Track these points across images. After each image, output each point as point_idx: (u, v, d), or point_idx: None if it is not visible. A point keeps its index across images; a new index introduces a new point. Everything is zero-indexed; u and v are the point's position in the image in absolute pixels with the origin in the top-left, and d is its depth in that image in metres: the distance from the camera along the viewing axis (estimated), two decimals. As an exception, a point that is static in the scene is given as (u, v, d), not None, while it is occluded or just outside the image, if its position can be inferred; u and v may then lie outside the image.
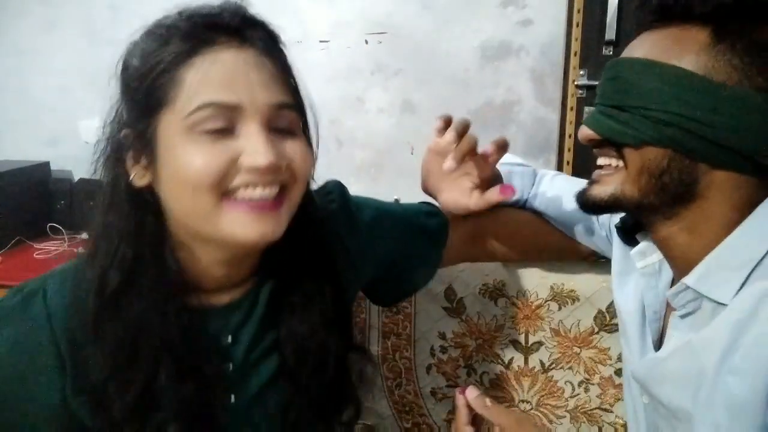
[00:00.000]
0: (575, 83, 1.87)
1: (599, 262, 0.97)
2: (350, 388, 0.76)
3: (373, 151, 1.93)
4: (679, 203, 0.63)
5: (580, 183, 0.76)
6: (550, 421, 1.07)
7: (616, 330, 0.97)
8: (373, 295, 0.95)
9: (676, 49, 0.61)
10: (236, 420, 0.67)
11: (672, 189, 0.62)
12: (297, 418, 0.69)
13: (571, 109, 1.90)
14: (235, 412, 0.66)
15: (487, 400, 0.72)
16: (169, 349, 0.60)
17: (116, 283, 0.59)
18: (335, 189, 0.80)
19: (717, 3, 0.59)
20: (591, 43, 1.84)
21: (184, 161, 0.56)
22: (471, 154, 0.80)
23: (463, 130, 0.80)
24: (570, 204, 0.86)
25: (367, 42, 1.92)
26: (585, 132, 0.67)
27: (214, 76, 0.56)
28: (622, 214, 0.78)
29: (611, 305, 0.98)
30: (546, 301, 1.02)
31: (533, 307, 1.03)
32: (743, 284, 0.60)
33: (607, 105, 0.65)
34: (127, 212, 0.60)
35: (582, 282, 1.00)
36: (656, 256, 0.74)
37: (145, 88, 0.57)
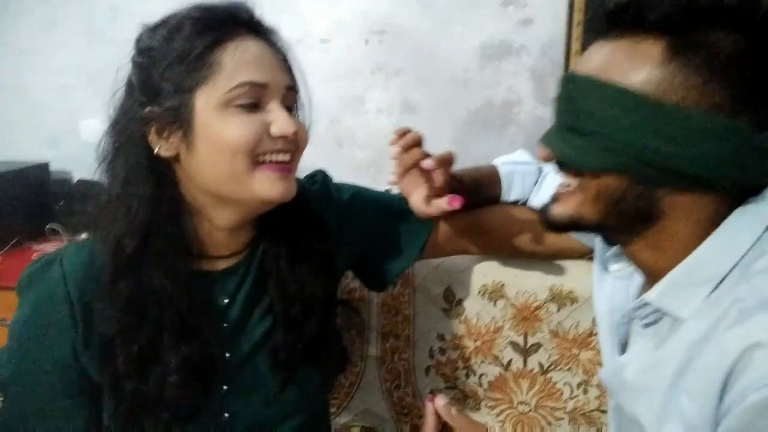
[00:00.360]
0: (575, 83, 1.86)
1: (598, 263, 0.97)
2: (336, 334, 0.85)
3: (373, 151, 1.92)
4: (640, 223, 0.61)
5: None
6: (549, 423, 1.07)
7: (616, 332, 0.97)
8: (364, 277, 0.98)
9: (628, 66, 0.57)
10: (230, 375, 0.75)
11: (630, 214, 0.60)
12: (286, 359, 0.76)
13: (572, 109, 1.88)
14: (230, 367, 0.75)
15: (453, 409, 0.73)
16: (174, 308, 0.68)
17: (133, 246, 0.67)
18: (318, 174, 0.91)
19: (669, 10, 0.55)
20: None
21: (224, 130, 0.66)
22: (416, 167, 0.83)
23: (411, 144, 0.82)
24: None
25: (367, 42, 1.91)
26: (542, 151, 0.65)
27: (248, 59, 0.67)
28: None
29: (610, 307, 0.98)
30: (545, 303, 1.02)
31: (532, 309, 1.03)
32: (705, 300, 0.59)
33: (562, 125, 0.62)
34: (147, 181, 0.69)
35: (581, 283, 0.99)
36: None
37: (180, 70, 0.66)
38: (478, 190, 0.94)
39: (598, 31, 0.61)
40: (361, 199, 0.92)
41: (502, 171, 0.97)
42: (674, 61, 0.55)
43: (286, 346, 0.77)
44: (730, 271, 0.58)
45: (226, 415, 0.75)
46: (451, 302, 1.06)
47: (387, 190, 1.00)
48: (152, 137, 0.69)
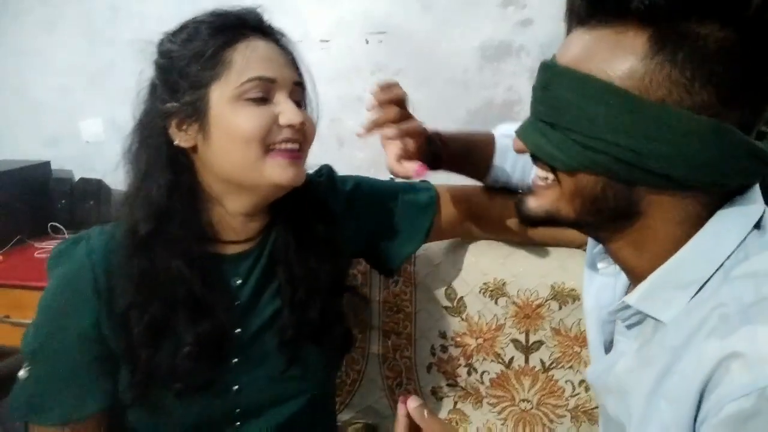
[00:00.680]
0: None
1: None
2: (340, 317, 0.89)
3: (373, 151, 1.92)
4: (619, 222, 0.59)
5: None
6: (551, 421, 1.07)
7: (617, 329, 0.98)
8: (375, 262, 1.01)
9: (609, 58, 0.53)
10: (242, 349, 0.80)
11: (608, 212, 0.58)
12: (293, 339, 0.81)
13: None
14: (240, 343, 0.80)
15: (426, 412, 0.72)
16: (187, 286, 0.74)
17: (148, 228, 0.73)
18: (324, 168, 0.96)
19: None
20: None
21: (237, 121, 0.72)
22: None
23: (389, 101, 0.79)
24: None
25: (367, 42, 1.92)
26: (517, 144, 0.62)
27: (257, 57, 0.74)
28: None
29: (611, 304, 0.98)
30: (546, 300, 1.03)
31: (534, 306, 1.03)
32: (687, 304, 0.57)
33: (539, 118, 0.59)
34: (166, 170, 0.75)
35: (582, 281, 1.00)
36: None
37: (196, 68, 0.73)
38: (465, 158, 0.93)
39: (578, 18, 0.57)
40: (364, 188, 0.96)
41: (499, 144, 0.94)
42: (659, 54, 0.51)
43: (292, 326, 0.81)
44: (713, 274, 0.56)
45: (235, 387, 0.80)
46: (453, 300, 1.06)
47: (390, 179, 1.01)
48: (172, 130, 0.75)
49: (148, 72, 0.79)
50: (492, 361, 1.07)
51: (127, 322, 0.74)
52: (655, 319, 0.59)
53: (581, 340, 1.03)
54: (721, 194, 0.56)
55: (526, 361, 1.06)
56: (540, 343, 1.05)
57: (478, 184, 0.99)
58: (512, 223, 0.98)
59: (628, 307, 0.61)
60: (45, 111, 2.14)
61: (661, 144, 0.52)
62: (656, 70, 0.51)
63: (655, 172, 0.53)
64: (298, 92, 0.78)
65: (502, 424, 1.09)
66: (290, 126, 0.73)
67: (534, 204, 0.62)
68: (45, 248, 1.88)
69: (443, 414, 1.10)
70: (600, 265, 0.74)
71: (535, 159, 0.61)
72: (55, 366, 0.74)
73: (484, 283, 1.04)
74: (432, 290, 1.07)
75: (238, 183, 0.75)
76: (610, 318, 0.71)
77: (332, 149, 1.91)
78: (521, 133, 0.61)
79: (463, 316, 1.06)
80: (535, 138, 0.58)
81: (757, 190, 0.59)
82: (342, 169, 0.98)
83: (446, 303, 1.07)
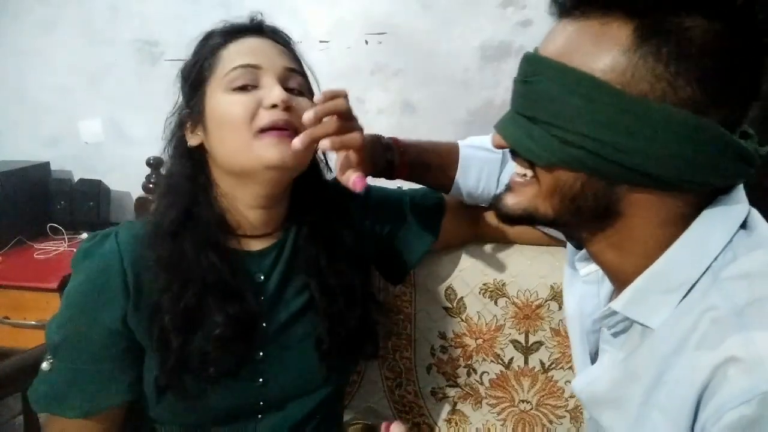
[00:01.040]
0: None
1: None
2: (372, 326, 0.91)
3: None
4: (600, 221, 0.57)
5: None
6: (550, 421, 1.07)
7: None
8: (384, 269, 1.03)
9: (592, 50, 0.51)
10: (267, 343, 0.82)
11: (588, 210, 0.56)
12: (329, 349, 0.83)
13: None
14: (266, 336, 0.82)
15: None
16: (216, 273, 0.77)
17: (173, 218, 0.77)
18: None
19: None
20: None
21: (225, 109, 0.75)
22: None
23: (329, 114, 0.74)
24: None
25: (367, 42, 1.92)
26: (496, 138, 0.60)
27: (244, 49, 0.78)
28: None
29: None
30: (546, 301, 1.02)
31: (533, 307, 1.03)
32: (675, 308, 0.55)
33: (519, 112, 0.57)
34: (185, 167, 0.80)
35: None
36: None
37: (195, 71, 0.78)
38: (423, 167, 0.92)
39: (562, 10, 0.55)
40: (375, 195, 0.98)
41: (462, 153, 0.93)
42: (642, 47, 0.49)
43: (330, 337, 0.83)
44: (701, 277, 0.54)
45: (260, 380, 0.81)
46: (453, 301, 1.06)
47: (399, 188, 1.01)
48: (187, 134, 0.80)
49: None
50: (491, 361, 1.07)
51: (158, 310, 0.75)
52: (643, 326, 0.57)
53: (581, 341, 1.02)
54: (705, 194, 0.55)
55: (526, 361, 1.06)
56: (539, 343, 1.05)
57: None
58: (510, 228, 1.00)
59: (614, 313, 0.59)
60: (44, 111, 2.13)
61: (642, 140, 0.50)
62: (639, 64, 0.50)
63: (636, 169, 0.51)
64: (293, 79, 0.78)
65: (502, 425, 1.09)
66: (273, 106, 0.73)
67: (512, 201, 0.61)
68: (44, 249, 1.88)
69: (443, 415, 1.10)
70: (583, 271, 0.72)
71: (514, 154, 0.60)
72: (79, 360, 0.75)
73: (484, 284, 1.04)
74: (432, 291, 1.07)
75: (238, 172, 0.76)
76: (594, 327, 0.69)
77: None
78: (500, 127, 0.59)
79: (463, 317, 1.06)
80: (515, 132, 0.57)
81: (741, 190, 0.57)
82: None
83: (446, 304, 1.07)
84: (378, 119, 1.94)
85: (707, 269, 0.54)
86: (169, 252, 0.76)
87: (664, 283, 0.56)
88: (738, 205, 0.56)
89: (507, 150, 0.61)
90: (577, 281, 0.73)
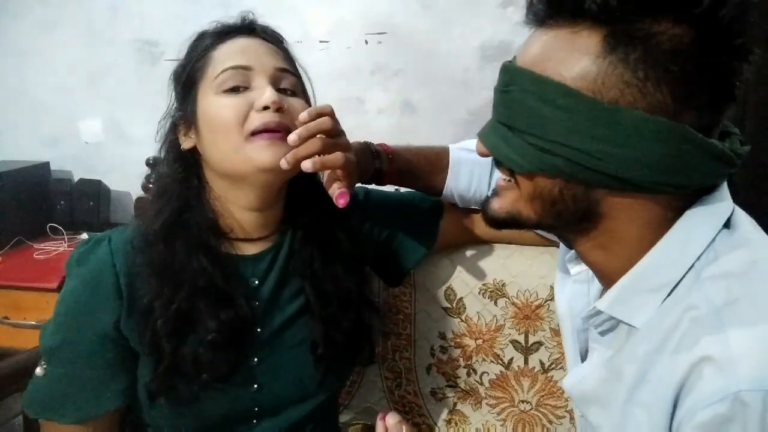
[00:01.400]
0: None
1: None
2: (368, 330, 0.90)
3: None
4: (583, 223, 0.58)
5: None
6: (550, 422, 1.07)
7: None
8: (383, 271, 1.03)
9: (563, 59, 0.52)
10: (262, 348, 0.81)
11: (569, 214, 0.57)
12: (324, 353, 0.82)
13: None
14: (261, 342, 0.81)
15: (405, 428, 0.71)
16: (208, 278, 0.76)
17: (165, 222, 0.76)
18: None
19: None
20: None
21: (215, 112, 0.74)
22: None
23: (313, 134, 0.74)
24: None
25: (367, 42, 1.92)
26: (479, 146, 0.61)
27: (234, 50, 0.76)
28: None
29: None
30: (546, 301, 1.02)
31: (533, 307, 1.03)
32: (659, 308, 0.56)
33: (499, 121, 0.58)
34: (177, 170, 0.79)
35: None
36: None
37: (187, 73, 0.77)
38: (413, 173, 0.94)
39: (536, 19, 0.56)
40: (374, 198, 0.98)
41: (453, 156, 0.94)
42: (611, 54, 0.50)
43: (325, 342, 0.82)
44: (684, 276, 0.55)
45: (254, 386, 0.80)
46: (452, 301, 1.06)
47: (396, 190, 1.01)
48: (180, 137, 0.79)
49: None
50: (491, 362, 1.07)
51: (150, 315, 0.74)
52: (629, 325, 0.58)
53: (581, 341, 1.02)
54: (687, 195, 0.56)
55: (526, 362, 1.06)
56: (539, 344, 1.04)
57: None
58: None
59: (600, 312, 0.60)
60: (44, 111, 2.13)
61: (614, 146, 0.51)
62: (608, 71, 0.50)
63: (611, 174, 0.52)
64: (286, 79, 0.77)
65: (502, 425, 1.09)
66: (265, 108, 0.72)
67: (497, 205, 0.62)
68: (44, 249, 1.88)
69: (443, 415, 1.10)
70: (573, 270, 0.73)
71: (497, 161, 0.61)
72: (73, 366, 0.75)
73: (484, 284, 1.04)
74: (431, 291, 1.07)
75: (231, 175, 0.76)
76: (584, 325, 0.70)
77: (332, 149, 1.92)
78: (482, 136, 0.60)
79: (463, 317, 1.06)
80: (495, 141, 0.58)
81: (725, 189, 0.58)
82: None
83: (445, 304, 1.07)
84: (378, 119, 1.94)
85: (690, 268, 0.55)
86: (160, 256, 0.75)
87: (648, 283, 0.56)
88: (721, 204, 0.56)
89: None
90: (568, 280, 0.75)
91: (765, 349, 0.48)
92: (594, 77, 0.51)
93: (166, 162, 0.81)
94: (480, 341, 1.06)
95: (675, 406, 0.51)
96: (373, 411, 1.12)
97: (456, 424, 1.10)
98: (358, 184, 0.94)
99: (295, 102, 0.76)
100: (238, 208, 0.80)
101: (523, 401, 1.07)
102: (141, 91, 1.99)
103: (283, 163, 0.70)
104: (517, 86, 0.55)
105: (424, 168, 0.94)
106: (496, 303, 1.04)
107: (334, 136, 0.75)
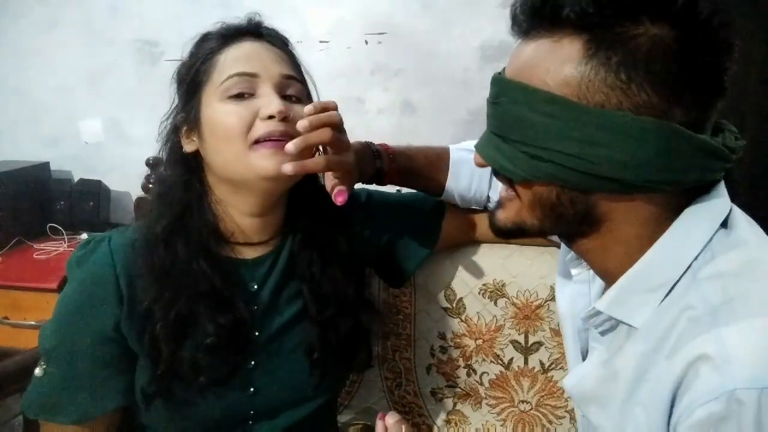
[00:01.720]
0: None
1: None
2: (365, 334, 0.90)
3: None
4: (584, 226, 0.59)
5: None
6: (550, 422, 1.07)
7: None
8: (385, 273, 1.03)
9: (547, 67, 0.53)
10: (259, 352, 0.81)
11: (569, 218, 0.58)
12: (321, 357, 0.82)
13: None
14: (258, 345, 0.81)
15: (404, 428, 0.72)
16: (208, 282, 0.76)
17: (166, 221, 0.76)
18: None
19: (584, 3, 0.50)
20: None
21: (220, 118, 0.73)
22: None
23: (321, 125, 0.74)
24: None
25: (367, 42, 1.92)
26: (477, 158, 0.62)
27: (240, 55, 0.76)
28: None
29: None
30: (546, 301, 1.02)
31: (533, 308, 1.03)
32: (657, 308, 0.56)
33: (493, 132, 0.59)
34: (179, 173, 0.79)
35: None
36: None
37: (191, 76, 0.77)
38: (413, 173, 0.94)
39: (520, 30, 0.57)
40: (376, 199, 0.97)
41: (453, 157, 0.95)
42: (593, 59, 0.51)
43: (321, 345, 0.83)
44: (681, 276, 0.55)
45: (251, 389, 0.80)
46: (452, 301, 1.06)
47: (398, 191, 1.01)
48: (182, 139, 0.79)
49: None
50: (491, 362, 1.07)
51: (150, 318, 0.75)
52: (628, 325, 0.59)
53: (581, 342, 1.02)
54: (684, 193, 0.56)
55: (526, 362, 1.06)
56: (539, 344, 1.05)
57: None
58: None
59: (599, 313, 0.61)
60: (44, 111, 2.13)
61: (604, 148, 0.52)
62: (591, 76, 0.51)
63: (605, 176, 0.53)
64: (291, 86, 0.77)
65: (501, 425, 1.09)
66: (270, 117, 0.72)
67: (502, 216, 0.64)
68: (44, 249, 1.88)
69: (443, 415, 1.10)
70: (574, 272, 0.74)
71: (495, 172, 0.62)
72: (72, 366, 0.75)
73: (484, 284, 1.04)
74: (431, 291, 1.07)
75: (233, 181, 0.76)
76: (585, 325, 0.70)
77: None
78: (479, 147, 0.62)
79: (463, 317, 1.06)
80: (490, 151, 0.59)
81: (722, 188, 0.58)
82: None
83: (445, 304, 1.07)
84: (378, 119, 1.94)
85: (687, 268, 0.55)
86: (161, 259, 0.75)
87: (646, 283, 0.57)
88: (718, 203, 0.57)
89: None
90: (568, 282, 0.75)
91: (760, 348, 0.48)
92: (578, 83, 0.52)
93: (168, 164, 0.81)
94: (480, 341, 1.06)
95: (672, 405, 0.52)
96: (372, 411, 1.12)
97: (456, 424, 1.10)
98: (360, 186, 0.94)
99: (300, 109, 0.76)
100: (239, 213, 0.79)
101: (523, 401, 1.07)
102: (141, 91, 1.99)
103: (290, 147, 0.70)
104: (506, 97, 0.57)
105: (424, 168, 0.95)
106: (496, 303, 1.04)
107: (339, 131, 0.75)
